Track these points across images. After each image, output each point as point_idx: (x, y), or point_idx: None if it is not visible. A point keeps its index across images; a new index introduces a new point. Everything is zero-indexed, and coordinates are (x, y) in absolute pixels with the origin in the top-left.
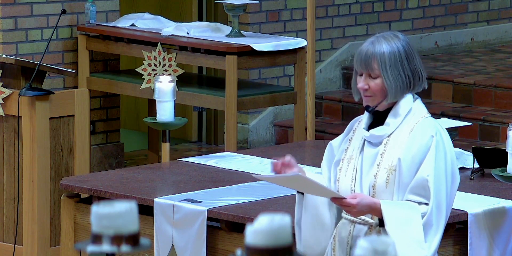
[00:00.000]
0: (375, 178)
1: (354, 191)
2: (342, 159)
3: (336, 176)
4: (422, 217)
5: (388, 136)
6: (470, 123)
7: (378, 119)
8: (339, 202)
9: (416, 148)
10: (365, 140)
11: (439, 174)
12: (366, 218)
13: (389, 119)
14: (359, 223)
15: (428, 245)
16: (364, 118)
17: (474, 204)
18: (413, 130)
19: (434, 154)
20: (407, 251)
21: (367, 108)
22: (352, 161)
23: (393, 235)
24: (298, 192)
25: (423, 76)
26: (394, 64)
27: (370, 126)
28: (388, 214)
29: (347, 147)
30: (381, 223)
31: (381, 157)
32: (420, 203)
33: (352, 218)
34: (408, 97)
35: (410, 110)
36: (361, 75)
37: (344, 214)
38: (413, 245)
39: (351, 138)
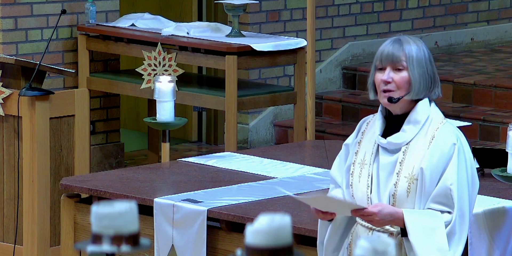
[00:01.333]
0: (395, 187)
1: (371, 199)
2: (353, 163)
3: (348, 181)
4: (446, 225)
5: (406, 144)
6: (470, 123)
7: (391, 124)
8: (359, 213)
9: (438, 156)
10: (378, 145)
11: (462, 182)
12: (386, 225)
13: (406, 126)
14: (378, 230)
15: (452, 254)
16: (377, 123)
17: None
18: (434, 139)
19: (456, 162)
20: None
21: (390, 99)
22: (366, 167)
23: (417, 244)
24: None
25: (439, 84)
26: (420, 62)
27: (384, 132)
28: (411, 223)
29: (357, 151)
30: (403, 233)
31: (400, 166)
32: (442, 212)
33: (369, 224)
34: (425, 102)
35: (428, 116)
36: (383, 69)
37: (359, 220)
38: (438, 254)
39: (360, 140)
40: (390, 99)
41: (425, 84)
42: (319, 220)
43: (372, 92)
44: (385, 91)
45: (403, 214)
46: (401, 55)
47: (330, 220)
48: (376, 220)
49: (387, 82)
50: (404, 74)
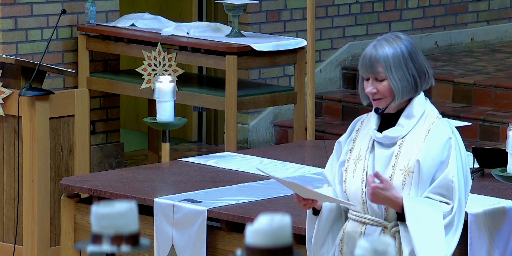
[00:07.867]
0: (391, 180)
1: (366, 193)
2: (347, 160)
3: (342, 177)
4: (445, 216)
5: (402, 137)
6: (470, 123)
7: (387, 120)
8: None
9: (435, 149)
10: (374, 141)
11: (460, 175)
12: (380, 219)
13: (402, 120)
14: (371, 224)
15: (448, 245)
16: (373, 119)
17: (474, 204)
18: (430, 132)
19: (455, 155)
20: (427, 249)
21: (376, 111)
22: (361, 162)
23: (414, 231)
24: (312, 213)
25: (429, 73)
26: (398, 65)
27: (380, 128)
28: (410, 209)
29: (352, 148)
30: (398, 217)
31: (396, 159)
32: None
33: (362, 219)
34: (421, 98)
35: (424, 111)
36: (368, 80)
37: (351, 215)
38: (434, 243)
39: (355, 138)
40: (377, 111)
41: (408, 86)
42: (307, 217)
43: (364, 98)
44: (374, 100)
45: (402, 201)
46: (378, 66)
47: (316, 214)
48: (375, 194)
49: (373, 93)
50: (385, 83)
